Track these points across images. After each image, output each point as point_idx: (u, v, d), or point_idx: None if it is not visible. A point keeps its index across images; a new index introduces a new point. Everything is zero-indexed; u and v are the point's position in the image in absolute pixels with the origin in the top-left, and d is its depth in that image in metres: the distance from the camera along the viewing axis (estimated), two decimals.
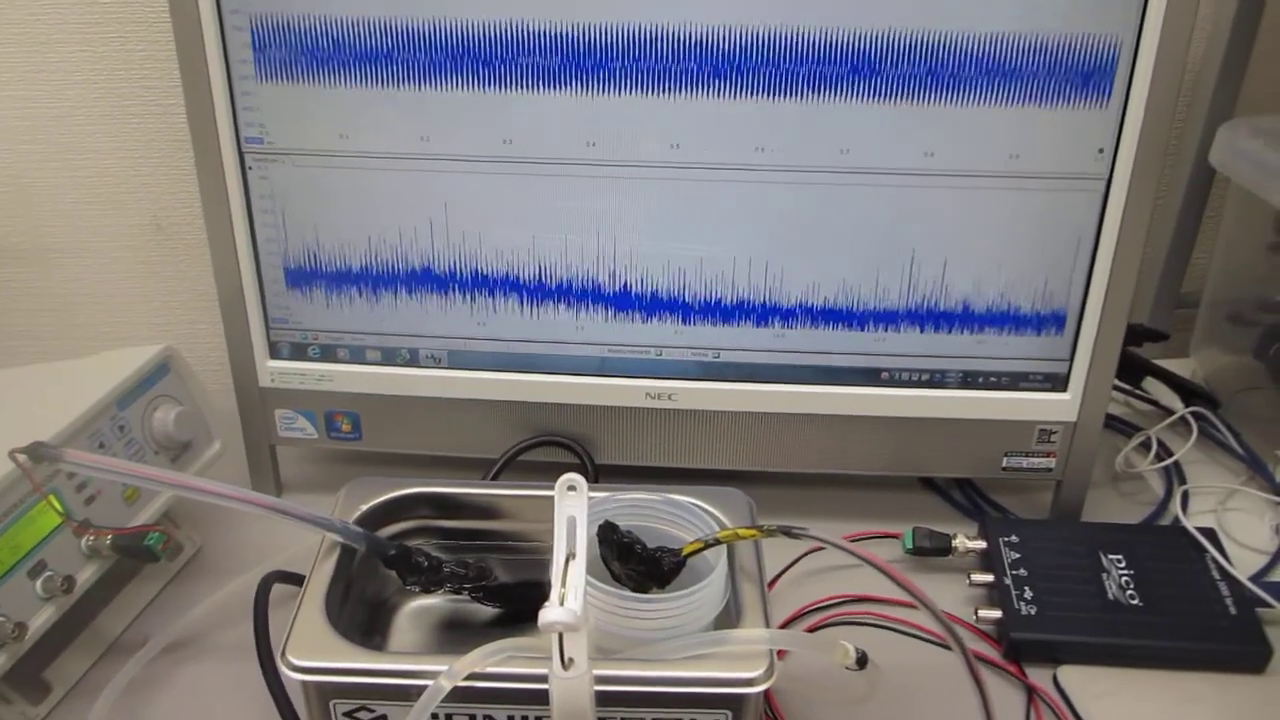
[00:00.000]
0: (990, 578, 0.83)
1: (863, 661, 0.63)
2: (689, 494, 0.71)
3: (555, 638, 0.56)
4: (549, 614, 0.55)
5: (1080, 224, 0.80)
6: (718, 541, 0.66)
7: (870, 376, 0.88)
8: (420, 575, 0.67)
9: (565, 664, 0.57)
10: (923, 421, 0.88)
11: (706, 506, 0.70)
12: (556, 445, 0.89)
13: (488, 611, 0.72)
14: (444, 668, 0.58)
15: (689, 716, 0.61)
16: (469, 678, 0.59)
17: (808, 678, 0.75)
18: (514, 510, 0.74)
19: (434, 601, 0.73)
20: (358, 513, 0.71)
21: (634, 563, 0.65)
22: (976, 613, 0.83)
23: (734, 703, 0.61)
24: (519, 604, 0.73)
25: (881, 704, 0.67)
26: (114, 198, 1.09)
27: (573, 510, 0.61)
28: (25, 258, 1.12)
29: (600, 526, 0.64)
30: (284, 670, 0.60)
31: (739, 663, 0.61)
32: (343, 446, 0.93)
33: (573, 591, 0.57)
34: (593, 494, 0.63)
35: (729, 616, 0.65)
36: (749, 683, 0.60)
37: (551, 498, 0.71)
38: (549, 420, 0.90)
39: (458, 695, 0.59)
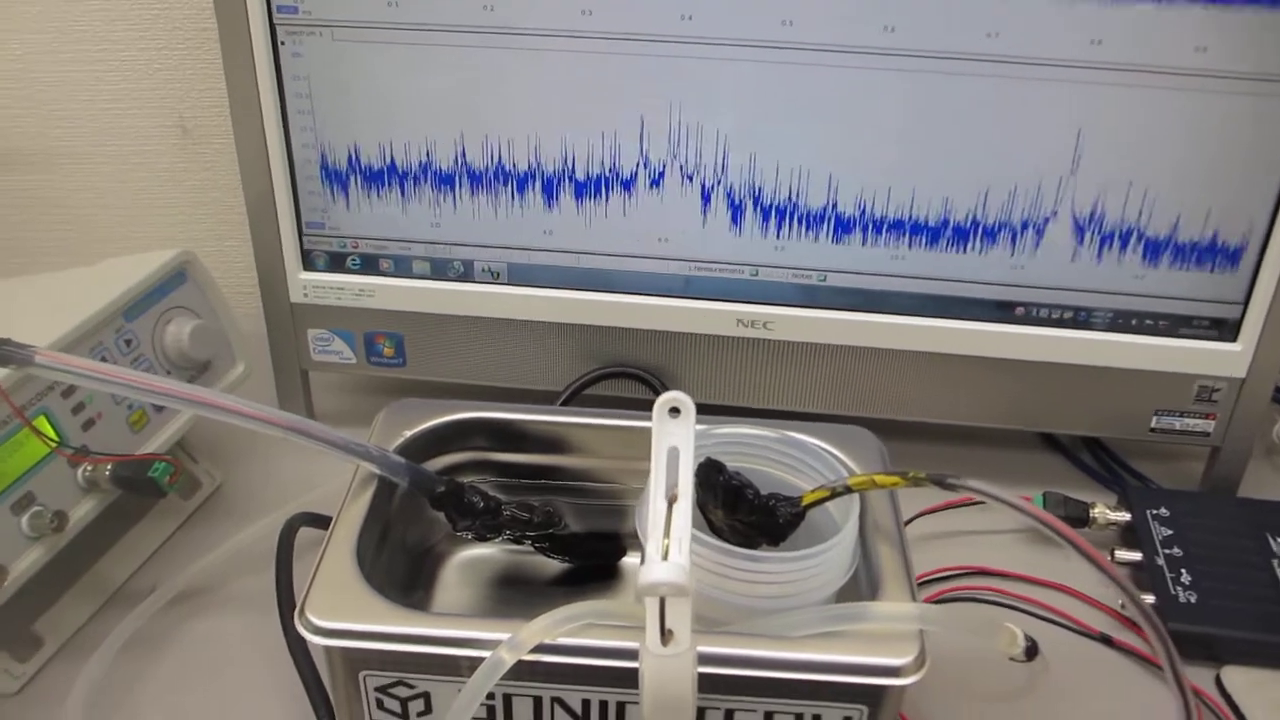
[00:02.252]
0: (1138, 556, 0.70)
1: (1032, 651, 0.48)
2: (806, 432, 0.55)
3: (654, 604, 0.41)
4: (652, 572, 0.40)
5: (1273, 137, 0.63)
6: (847, 489, 0.51)
7: (1002, 311, 0.74)
8: (474, 518, 0.53)
9: (665, 637, 0.42)
10: (1061, 368, 0.75)
11: (830, 448, 0.55)
12: (629, 378, 0.77)
13: (554, 567, 0.58)
14: (504, 636, 0.44)
15: (812, 711, 0.46)
16: (535, 650, 0.44)
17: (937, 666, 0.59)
18: (590, 443, 0.59)
19: (489, 552, 0.60)
20: (400, 440, 0.57)
21: (743, 512, 0.50)
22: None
23: (872, 696, 0.46)
24: (592, 558, 0.58)
25: (1031, 703, 0.52)
26: (134, 95, 0.95)
27: (676, 439, 0.46)
28: (33, 163, 0.98)
29: (701, 465, 0.49)
30: (304, 632, 0.46)
31: (880, 645, 0.46)
32: (384, 373, 0.81)
33: (677, 544, 0.42)
34: None
35: (856, 588, 0.50)
36: (894, 671, 0.45)
37: (637, 429, 0.56)
38: (622, 349, 0.78)
39: (520, 672, 0.44)
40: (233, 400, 0.50)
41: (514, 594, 0.60)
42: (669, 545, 0.42)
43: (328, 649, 0.47)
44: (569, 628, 0.46)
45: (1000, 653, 0.48)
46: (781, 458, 0.55)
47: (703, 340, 0.77)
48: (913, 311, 0.75)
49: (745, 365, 0.78)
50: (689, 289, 0.76)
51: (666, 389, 0.73)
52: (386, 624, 0.47)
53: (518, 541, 0.58)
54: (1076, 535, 0.46)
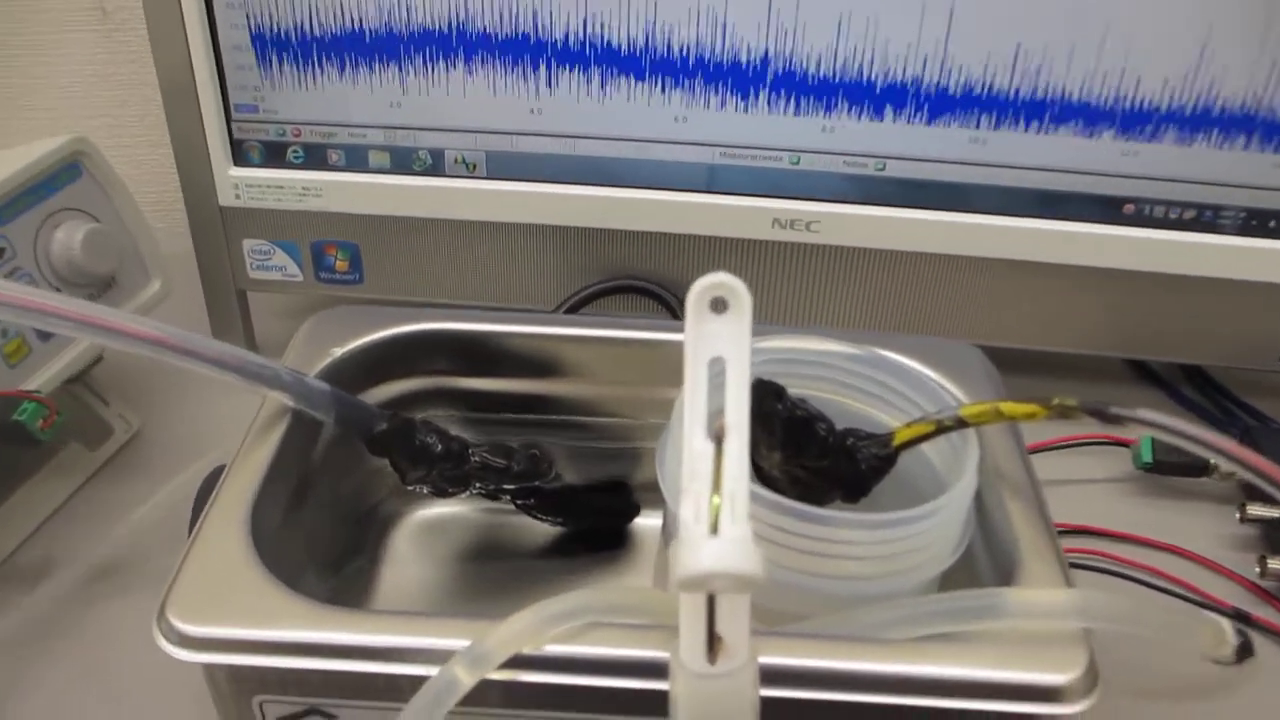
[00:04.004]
0: (1277, 513, 0.54)
1: (1245, 651, 0.31)
2: (887, 348, 0.38)
3: (698, 603, 0.24)
4: (699, 555, 0.24)
5: None
6: (959, 424, 0.34)
7: (1108, 209, 0.58)
8: (430, 466, 0.38)
9: (713, 649, 0.25)
10: (1179, 281, 0.59)
11: (924, 369, 0.38)
12: (639, 293, 0.62)
13: (541, 533, 0.40)
14: (462, 644, 0.27)
15: None
16: (509, 666, 0.28)
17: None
18: (590, 363, 0.43)
19: (453, 513, 0.42)
20: (327, 361, 0.40)
21: (810, 455, 0.34)
22: (1263, 562, 0.53)
23: None
24: (594, 519, 0.42)
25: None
26: None
27: (723, 345, 0.29)
28: None
29: (753, 386, 0.32)
30: (163, 642, 0.29)
31: (1029, 654, 0.30)
32: (338, 293, 0.66)
33: (731, 506, 0.25)
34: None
35: (971, 568, 0.34)
36: (1053, 694, 0.29)
37: (656, 343, 0.40)
38: (629, 258, 0.62)
39: (487, 697, 0.28)
40: (58, 301, 0.33)
41: (488, 572, 0.43)
42: (719, 508, 0.25)
43: (208, 666, 0.30)
44: (559, 630, 0.30)
45: (1204, 653, 0.31)
46: (857, 381, 0.39)
47: (730, 246, 0.62)
48: (993, 209, 0.59)
49: (782, 278, 0.62)
50: (713, 182, 0.60)
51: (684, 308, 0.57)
52: (290, 628, 0.31)
53: (492, 497, 0.42)
54: None
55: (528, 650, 0.30)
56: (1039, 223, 0.58)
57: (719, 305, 0.30)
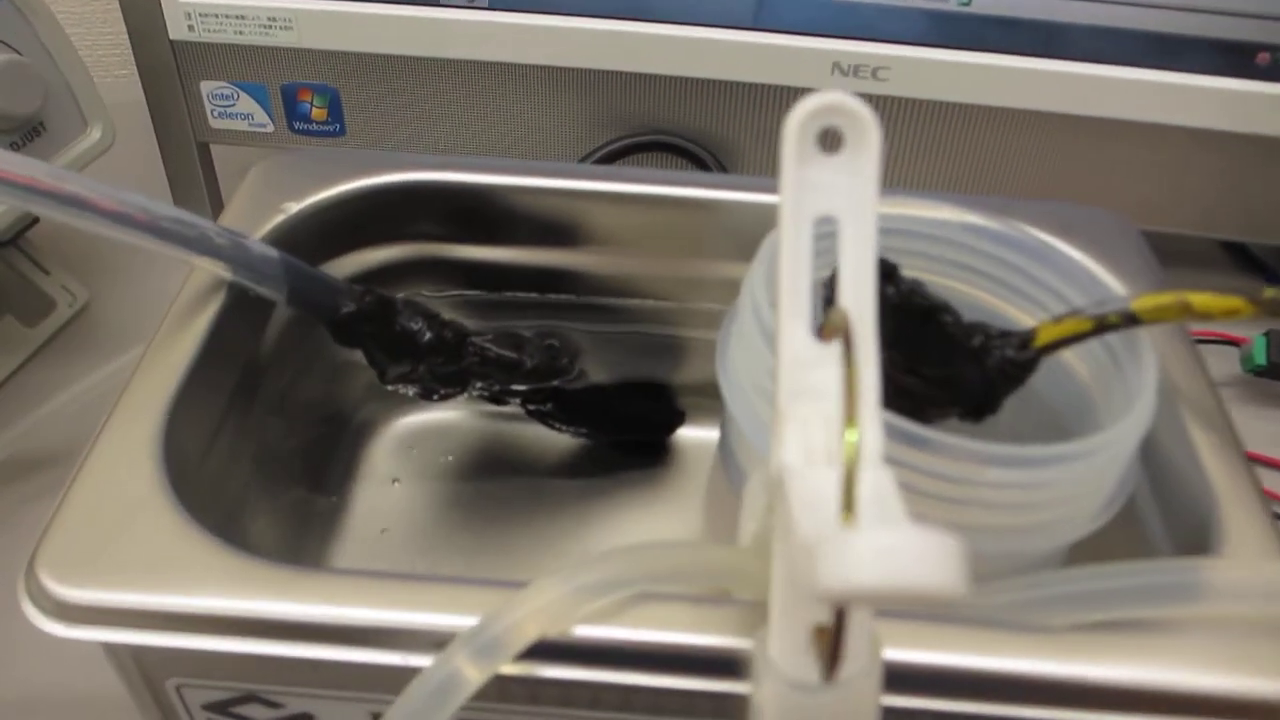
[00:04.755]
0: None
1: None
2: (1007, 216, 0.29)
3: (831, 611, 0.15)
4: (858, 563, 0.14)
5: None
6: (1130, 320, 0.25)
7: (1237, 59, 0.47)
8: (417, 360, 0.28)
9: (832, 660, 0.16)
10: None
11: (1065, 248, 0.28)
12: (671, 150, 0.52)
13: (560, 447, 0.31)
14: (465, 622, 0.18)
15: None
16: (529, 657, 0.18)
17: None
18: (622, 229, 0.34)
19: (446, 421, 0.32)
20: (280, 219, 0.30)
21: (933, 358, 0.24)
22: None
23: None
24: (627, 431, 0.32)
25: None
26: None
27: (833, 201, 0.19)
28: None
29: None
30: (32, 611, 0.20)
31: (1247, 654, 0.20)
32: (315, 146, 0.55)
33: (872, 455, 0.16)
34: None
35: (1138, 526, 0.25)
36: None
37: (709, 201, 0.30)
38: (658, 109, 0.51)
39: (500, 691, 0.19)
40: None
41: (492, 501, 0.34)
42: (855, 452, 0.15)
43: (107, 645, 0.21)
44: (596, 604, 0.20)
45: None
46: (977, 261, 0.29)
47: (781, 96, 0.50)
48: (1099, 56, 0.48)
49: None
50: (761, 17, 0.49)
51: (724, 169, 0.47)
52: (216, 593, 0.21)
53: (497, 400, 0.32)
54: None
55: (554, 635, 0.20)
56: (1150, 74, 0.48)
57: (831, 141, 0.20)
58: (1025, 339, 0.27)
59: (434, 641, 0.21)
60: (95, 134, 0.51)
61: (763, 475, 0.22)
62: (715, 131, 0.51)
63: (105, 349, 0.52)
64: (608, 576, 0.21)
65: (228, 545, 0.22)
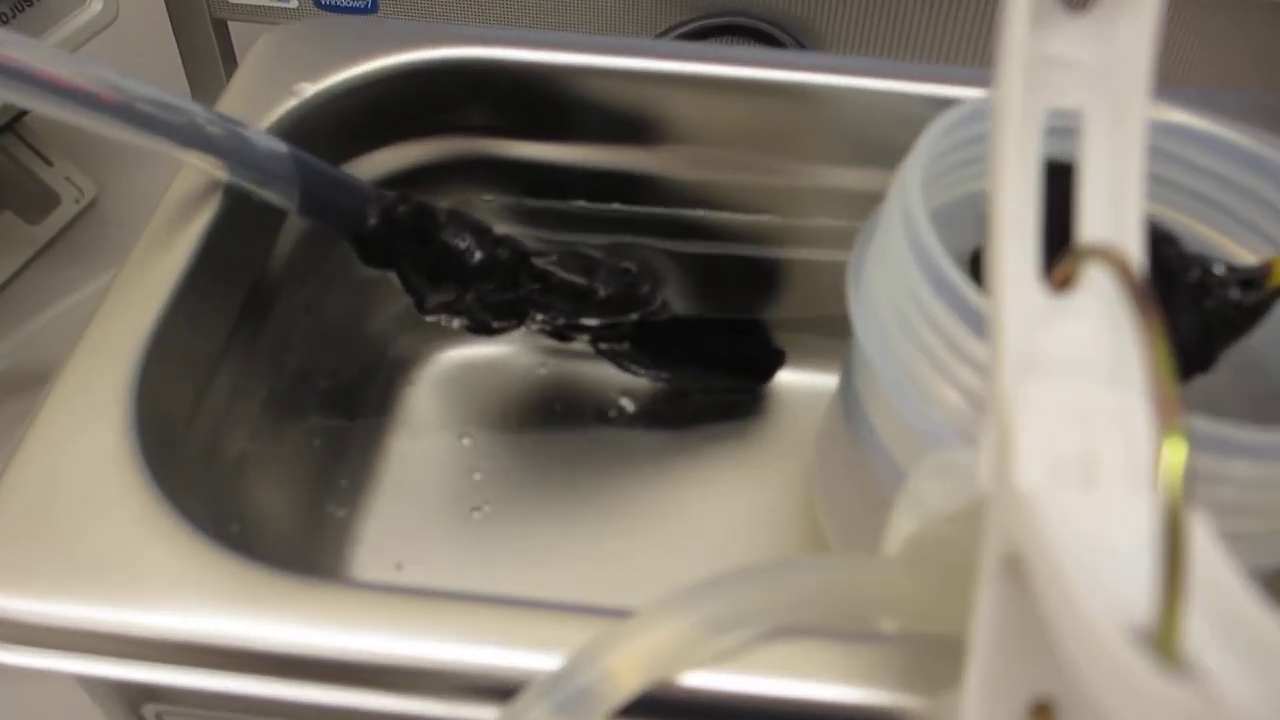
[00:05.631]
0: None
1: None
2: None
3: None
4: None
5: None
6: None
7: None
8: (463, 286, 0.21)
9: None
10: None
11: None
12: (747, 34, 0.43)
13: (637, 393, 0.25)
14: (544, 662, 0.13)
15: None
16: (630, 714, 0.12)
17: None
18: (716, 123, 0.26)
19: (498, 359, 0.26)
20: (292, 104, 0.23)
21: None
22: None
23: None
24: (717, 372, 0.27)
25: None
26: None
27: (1079, 86, 0.12)
28: None
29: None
30: None
31: None
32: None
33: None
34: None
35: None
36: None
37: (829, 89, 0.24)
38: None
39: None
40: None
41: (553, 468, 0.28)
42: (1177, 497, 0.09)
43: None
44: (723, 645, 0.14)
45: None
46: (1190, 178, 0.22)
47: None
48: None
49: (947, 17, 0.42)
50: None
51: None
52: (197, 610, 0.15)
53: (560, 336, 0.26)
54: None
55: (658, 684, 0.15)
56: None
57: None
58: (1254, 277, 0.20)
59: (496, 688, 0.15)
60: (96, 6, 0.46)
61: (938, 468, 0.16)
62: (803, 13, 0.44)
63: (115, 250, 0.49)
64: (738, 606, 0.15)
65: (217, 543, 0.16)
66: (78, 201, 0.51)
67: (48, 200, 0.50)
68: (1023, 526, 0.12)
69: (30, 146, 0.50)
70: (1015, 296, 0.14)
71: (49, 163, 0.51)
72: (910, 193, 0.20)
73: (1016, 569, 0.13)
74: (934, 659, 0.15)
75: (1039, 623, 0.12)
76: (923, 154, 0.21)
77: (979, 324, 0.18)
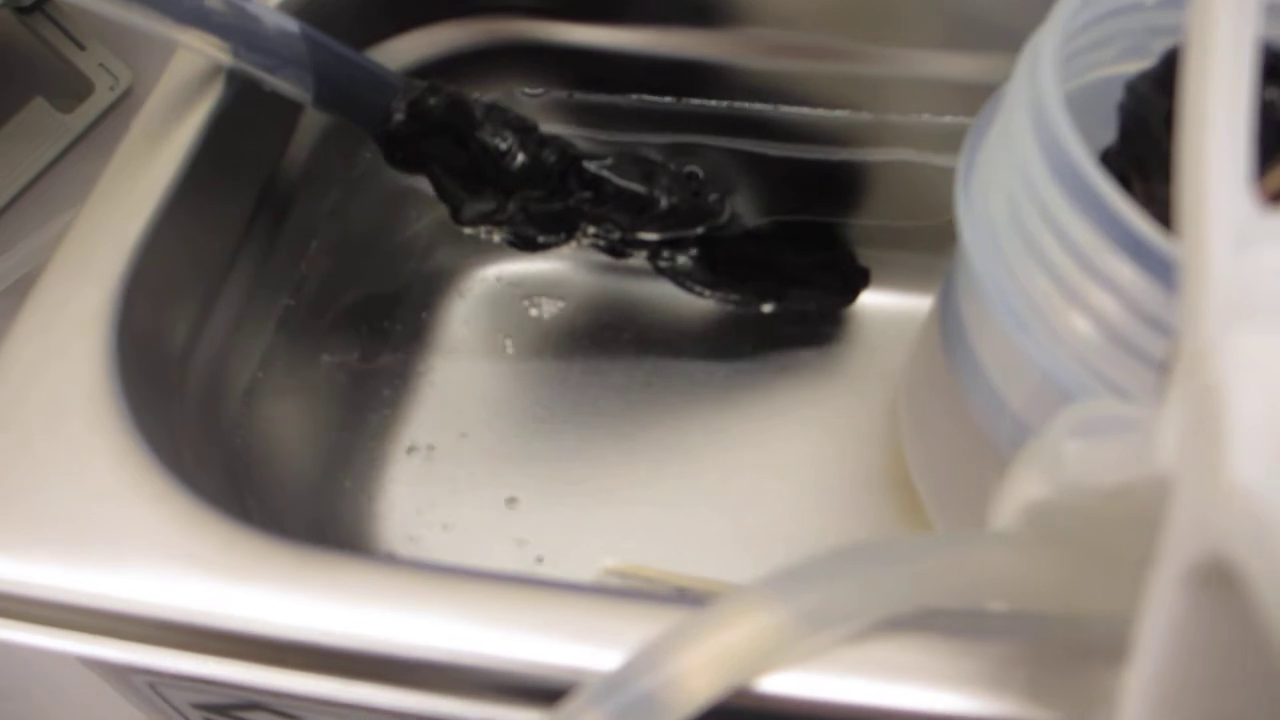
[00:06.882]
0: None
1: None
2: None
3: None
4: None
5: None
6: None
7: None
8: (505, 194, 0.17)
9: None
10: None
11: None
12: None
13: (701, 317, 0.22)
14: (600, 658, 0.10)
15: None
16: None
17: None
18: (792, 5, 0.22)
19: (546, 276, 0.23)
20: None
21: None
22: None
23: None
24: (791, 295, 0.23)
25: None
26: None
27: None
28: None
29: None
30: None
31: None
32: None
33: None
34: None
35: None
36: None
37: None
38: None
39: None
40: None
41: (608, 398, 0.25)
42: None
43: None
44: (808, 644, 0.11)
45: None
46: None
47: None
48: None
49: None
50: None
51: None
52: (194, 584, 0.13)
53: (615, 252, 0.23)
54: None
55: (734, 689, 0.12)
56: None
57: None
58: None
59: (539, 689, 0.12)
60: None
61: (1079, 423, 0.13)
62: None
63: None
64: (835, 599, 0.12)
65: (211, 503, 0.14)
66: (112, 89, 0.48)
67: (81, 86, 0.47)
68: (1242, 530, 0.09)
69: (60, 28, 0.47)
70: (1222, 212, 0.10)
71: (81, 46, 0.48)
72: (1041, 75, 0.16)
73: (1218, 580, 0.10)
74: (1070, 665, 0.12)
75: (1253, 653, 0.09)
76: (1058, 26, 0.17)
77: (1124, 238, 0.15)
